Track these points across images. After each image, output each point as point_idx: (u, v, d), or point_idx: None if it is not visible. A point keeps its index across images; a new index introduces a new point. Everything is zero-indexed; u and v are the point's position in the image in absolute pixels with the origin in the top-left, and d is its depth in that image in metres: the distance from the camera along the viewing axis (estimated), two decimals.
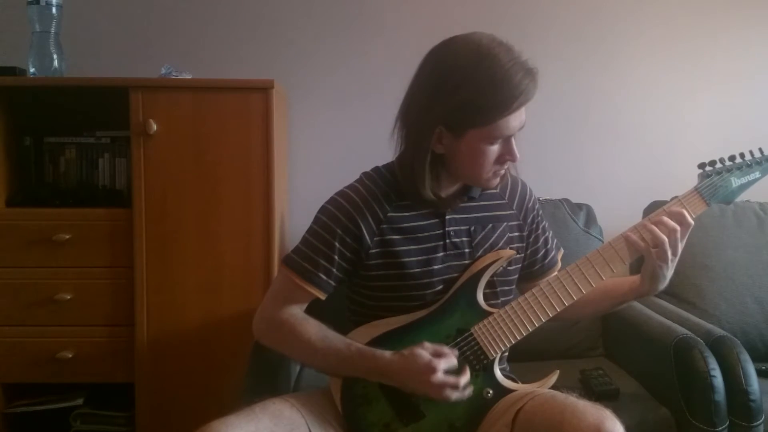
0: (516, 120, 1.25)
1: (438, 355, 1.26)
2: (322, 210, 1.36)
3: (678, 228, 1.30)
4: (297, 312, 1.36)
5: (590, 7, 2.45)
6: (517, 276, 1.46)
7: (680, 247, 1.31)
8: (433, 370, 1.23)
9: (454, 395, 1.25)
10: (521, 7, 2.42)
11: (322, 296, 1.35)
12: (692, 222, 1.32)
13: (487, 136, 1.25)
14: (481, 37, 1.25)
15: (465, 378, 1.26)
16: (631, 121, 2.48)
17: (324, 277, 1.34)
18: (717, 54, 2.48)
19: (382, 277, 1.35)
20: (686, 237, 1.32)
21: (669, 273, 1.33)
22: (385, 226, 1.33)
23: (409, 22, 2.40)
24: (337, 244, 1.33)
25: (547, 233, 1.52)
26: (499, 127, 1.24)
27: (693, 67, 2.48)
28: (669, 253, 1.30)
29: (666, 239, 1.29)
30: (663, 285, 1.35)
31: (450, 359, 1.26)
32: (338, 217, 1.33)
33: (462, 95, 1.21)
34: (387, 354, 1.28)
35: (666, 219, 1.31)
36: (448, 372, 1.25)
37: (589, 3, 2.45)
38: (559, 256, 1.55)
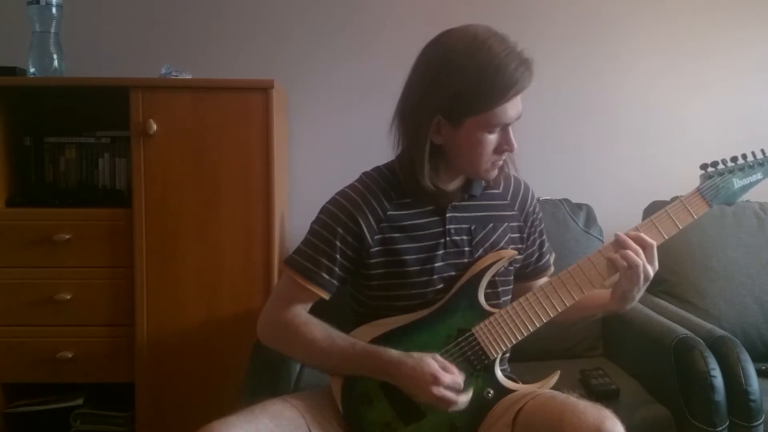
0: (513, 109, 1.26)
1: (445, 369, 1.26)
2: (323, 210, 1.37)
3: (640, 251, 1.29)
4: (301, 313, 1.36)
5: (590, 6, 2.45)
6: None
7: (651, 270, 1.30)
8: (437, 381, 1.23)
9: (450, 409, 1.25)
10: (520, 7, 2.42)
11: (326, 296, 1.35)
12: (653, 243, 1.30)
13: (484, 124, 1.25)
14: (476, 29, 1.27)
15: (465, 398, 1.26)
16: (631, 120, 2.48)
17: (326, 276, 1.34)
18: (718, 53, 2.47)
19: (383, 276, 1.35)
20: (655, 259, 1.30)
21: (639, 294, 1.33)
22: (385, 224, 1.33)
23: (409, 22, 2.40)
24: (338, 243, 1.33)
25: (544, 237, 1.53)
26: (497, 115, 1.24)
27: (693, 66, 2.48)
28: (641, 277, 1.28)
29: (639, 263, 1.28)
30: (632, 304, 1.36)
31: (456, 377, 1.26)
32: (339, 216, 1.33)
33: (459, 83, 1.22)
34: (394, 353, 1.28)
35: (629, 243, 1.29)
36: (451, 389, 1.25)
37: (588, 3, 2.45)
38: (552, 260, 1.55)
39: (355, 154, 2.14)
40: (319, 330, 1.33)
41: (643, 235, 1.31)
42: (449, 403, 1.24)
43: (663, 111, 2.49)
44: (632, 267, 1.28)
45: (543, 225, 1.52)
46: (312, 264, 1.34)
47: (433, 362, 1.25)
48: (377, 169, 1.40)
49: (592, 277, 1.34)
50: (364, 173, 1.40)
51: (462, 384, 1.26)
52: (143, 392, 2.04)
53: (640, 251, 1.29)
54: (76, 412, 2.10)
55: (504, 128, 1.28)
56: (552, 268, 1.54)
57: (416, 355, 1.27)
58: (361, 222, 1.32)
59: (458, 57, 1.23)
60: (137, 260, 2.01)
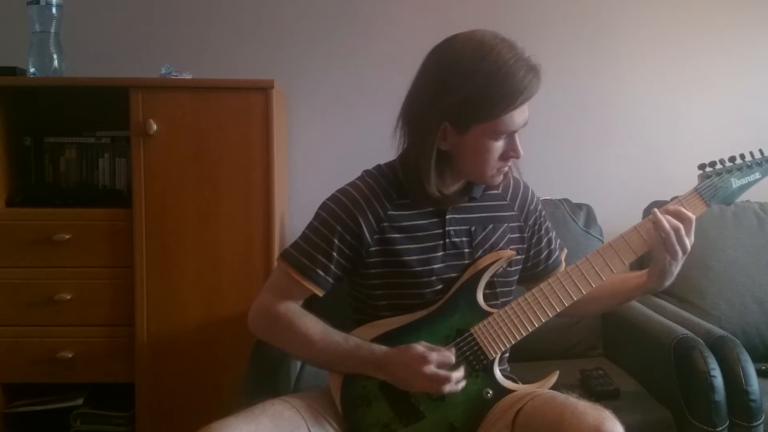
0: (520, 116, 1.25)
1: (432, 350, 1.27)
2: (323, 206, 1.36)
3: (680, 225, 1.30)
4: (294, 307, 1.36)
5: (590, 6, 2.45)
6: (517, 276, 1.46)
7: (688, 243, 1.31)
8: (425, 361, 1.24)
9: (446, 388, 1.25)
10: (521, 7, 2.42)
11: (320, 293, 1.35)
12: (692, 217, 1.31)
13: (491, 131, 1.25)
14: (483, 34, 1.26)
15: (458, 373, 1.26)
16: (630, 120, 2.48)
17: (322, 273, 1.33)
18: (717, 53, 2.47)
19: (382, 275, 1.35)
20: (692, 233, 1.32)
21: (677, 269, 1.34)
22: (385, 224, 1.33)
23: (409, 22, 2.40)
24: (336, 241, 1.33)
25: (550, 234, 1.52)
26: (504, 122, 1.24)
27: (693, 66, 2.47)
28: (678, 248, 1.30)
29: (672, 234, 1.29)
30: (670, 281, 1.36)
31: (445, 354, 1.27)
32: (339, 214, 1.33)
33: (466, 90, 1.22)
34: (384, 347, 1.30)
35: (667, 217, 1.30)
36: (442, 367, 1.25)
37: (588, 3, 2.45)
38: (563, 257, 1.55)
39: (354, 154, 2.14)
40: (312, 324, 1.33)
41: (682, 209, 1.32)
42: (443, 380, 1.24)
43: (663, 111, 2.48)
44: (668, 234, 1.29)
45: (548, 223, 1.52)
46: (308, 260, 1.34)
47: (419, 346, 1.26)
48: (378, 167, 1.40)
49: (591, 277, 1.34)
50: (366, 171, 1.40)
51: (453, 359, 1.27)
52: (143, 392, 2.04)
53: (679, 224, 1.29)
54: (76, 412, 2.10)
55: (510, 135, 1.28)
56: (563, 265, 1.53)
57: (403, 345, 1.28)
58: (362, 221, 1.32)
59: (466, 63, 1.22)
60: (137, 260, 2.01)
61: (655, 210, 1.32)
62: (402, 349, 1.27)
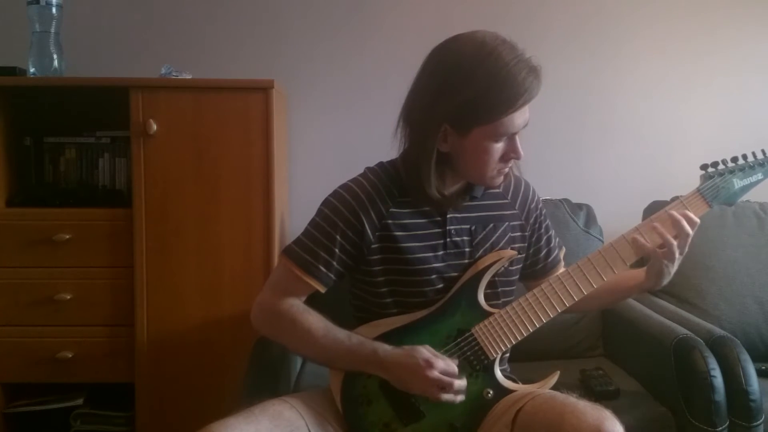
0: (520, 117, 1.25)
1: (437, 357, 1.27)
2: (326, 203, 1.37)
3: (690, 232, 1.31)
4: (297, 303, 1.36)
5: (590, 6, 2.45)
6: (517, 276, 1.46)
7: (687, 246, 1.32)
8: (430, 366, 1.24)
9: (446, 396, 1.26)
10: (521, 7, 2.42)
11: (322, 289, 1.35)
12: (698, 222, 1.33)
13: (492, 133, 1.25)
14: (485, 35, 1.26)
15: (460, 382, 1.26)
16: (631, 120, 2.48)
17: (324, 269, 1.34)
18: (718, 53, 2.47)
19: (384, 272, 1.35)
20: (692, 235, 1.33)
21: (674, 269, 1.36)
22: (387, 221, 1.33)
23: (410, 22, 2.40)
24: (338, 237, 1.33)
25: (550, 232, 1.52)
26: (504, 125, 1.24)
27: (693, 66, 2.48)
28: (677, 253, 1.31)
29: (674, 242, 1.30)
30: (667, 280, 1.38)
31: (449, 363, 1.27)
32: (341, 210, 1.33)
33: (467, 93, 1.22)
34: (388, 346, 1.29)
35: (678, 220, 1.31)
36: (445, 375, 1.25)
37: (589, 3, 2.45)
38: (562, 255, 1.55)
39: (354, 154, 2.14)
40: (315, 320, 1.33)
41: (689, 213, 1.32)
42: (444, 386, 1.24)
43: (663, 111, 2.48)
44: (665, 245, 1.31)
45: (548, 221, 1.52)
46: (310, 256, 1.34)
47: (425, 350, 1.27)
48: (381, 165, 1.40)
49: (592, 277, 1.34)
50: (368, 168, 1.40)
51: (456, 370, 1.27)
52: (143, 392, 2.04)
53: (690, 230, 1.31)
54: (76, 412, 2.10)
55: (511, 136, 1.28)
56: (562, 263, 1.54)
57: (408, 346, 1.28)
58: (363, 218, 1.32)
59: (466, 65, 1.22)
60: (137, 260, 2.01)
61: (674, 212, 1.32)
62: (407, 350, 1.27)
